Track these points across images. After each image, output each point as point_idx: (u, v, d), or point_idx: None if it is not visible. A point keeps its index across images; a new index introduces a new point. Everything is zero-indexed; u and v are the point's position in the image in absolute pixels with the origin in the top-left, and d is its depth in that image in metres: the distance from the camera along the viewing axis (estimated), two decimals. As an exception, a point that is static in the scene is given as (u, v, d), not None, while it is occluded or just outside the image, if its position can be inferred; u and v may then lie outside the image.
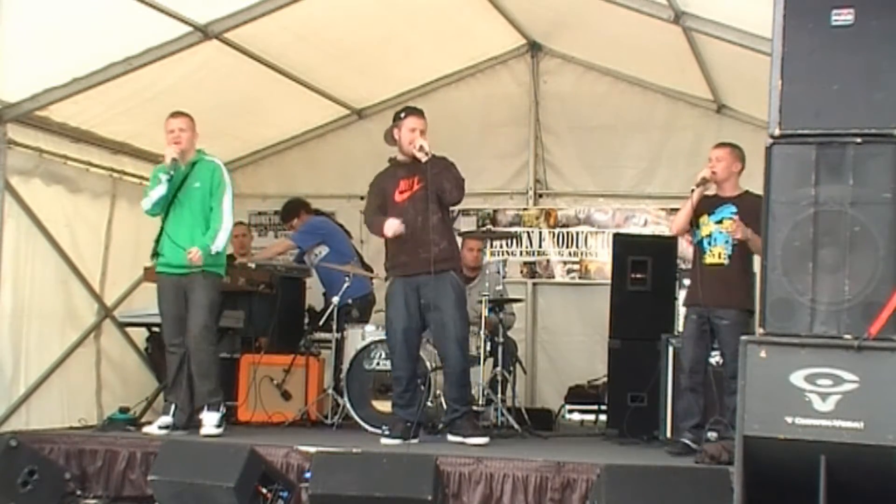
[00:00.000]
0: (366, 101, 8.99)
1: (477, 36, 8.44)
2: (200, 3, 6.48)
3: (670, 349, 6.64)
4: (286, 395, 7.36)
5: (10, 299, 6.72)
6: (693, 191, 6.04)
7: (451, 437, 6.04)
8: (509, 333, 7.60)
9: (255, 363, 7.36)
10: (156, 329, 7.19)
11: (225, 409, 6.57)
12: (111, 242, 7.68)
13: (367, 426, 6.76)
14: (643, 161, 8.74)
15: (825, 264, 4.05)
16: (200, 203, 6.40)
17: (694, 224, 6.10)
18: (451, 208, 6.68)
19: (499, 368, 7.13)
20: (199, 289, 6.35)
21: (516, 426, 6.94)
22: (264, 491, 5.48)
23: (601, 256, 8.72)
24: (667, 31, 6.49)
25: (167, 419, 6.50)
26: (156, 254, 6.46)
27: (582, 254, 8.88)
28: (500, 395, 7.08)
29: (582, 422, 8.48)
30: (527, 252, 8.98)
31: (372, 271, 7.91)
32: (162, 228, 6.45)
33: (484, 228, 8.49)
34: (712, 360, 6.16)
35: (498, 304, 7.30)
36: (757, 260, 5.19)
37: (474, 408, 6.95)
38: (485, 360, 7.05)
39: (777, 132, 4.18)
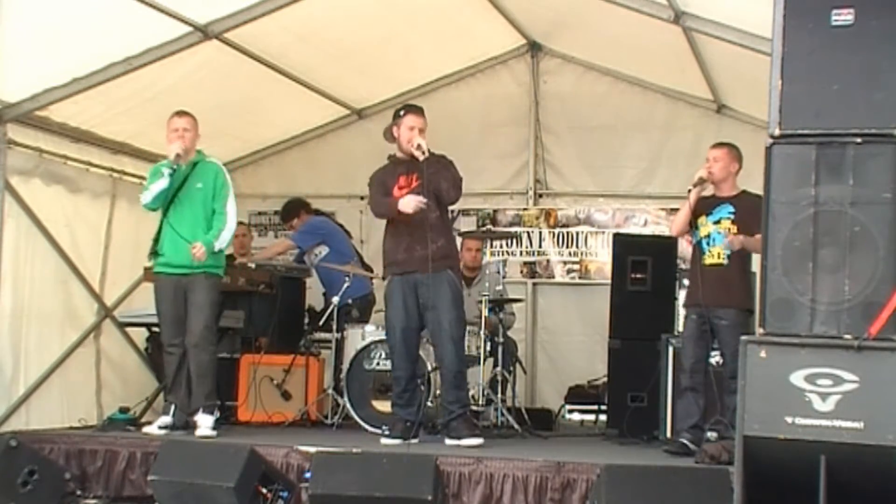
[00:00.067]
0: (366, 101, 8.99)
1: (477, 36, 8.44)
2: (200, 3, 6.48)
3: (670, 349, 6.64)
4: (286, 395, 7.36)
5: (10, 299, 6.72)
6: (690, 191, 6.04)
7: (447, 441, 6.01)
8: (509, 333, 7.60)
9: (255, 363, 7.36)
10: (155, 329, 7.19)
11: (219, 411, 6.58)
12: (111, 242, 7.68)
13: (367, 426, 6.76)
14: (643, 161, 8.74)
15: (825, 264, 4.05)
16: (202, 204, 6.41)
17: (693, 225, 6.10)
18: (451, 207, 6.68)
19: (499, 368, 7.14)
20: (200, 289, 6.35)
21: (516, 426, 6.94)
22: (264, 491, 5.48)
23: (601, 256, 8.72)
24: (667, 31, 6.49)
25: (167, 419, 6.50)
26: (154, 254, 6.45)
27: (582, 254, 8.88)
28: (500, 395, 7.09)
29: (582, 422, 8.48)
30: (527, 252, 8.98)
31: (372, 271, 7.91)
32: (161, 228, 6.45)
33: (484, 228, 8.49)
34: (712, 360, 6.16)
35: (498, 304, 7.30)
36: (756, 259, 5.18)
37: (474, 408, 6.96)
38: (485, 360, 7.05)
39: (777, 132, 4.18)
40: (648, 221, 8.67)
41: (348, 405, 6.89)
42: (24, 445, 5.90)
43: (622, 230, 8.56)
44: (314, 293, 8.30)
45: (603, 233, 8.77)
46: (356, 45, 7.68)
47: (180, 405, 6.48)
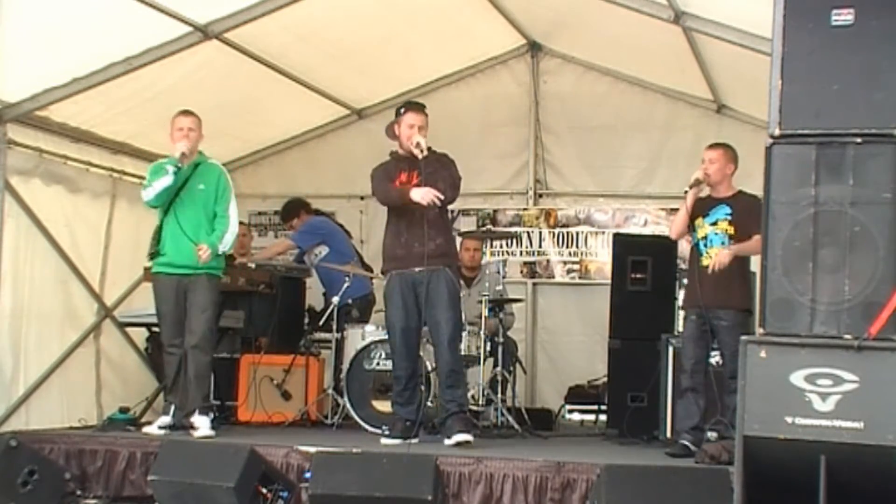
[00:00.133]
0: (366, 101, 8.99)
1: (477, 36, 8.44)
2: (200, 3, 6.48)
3: (670, 349, 6.64)
4: (286, 395, 7.36)
5: (10, 299, 6.72)
6: (686, 192, 6.03)
7: (446, 441, 5.99)
8: (509, 333, 7.60)
9: (255, 363, 7.36)
10: (155, 329, 7.19)
11: (216, 411, 6.57)
12: (111, 242, 7.68)
13: (367, 426, 6.75)
14: (643, 161, 8.73)
15: (825, 264, 4.06)
16: (203, 205, 6.42)
17: (690, 226, 6.09)
18: (450, 207, 6.67)
19: (499, 368, 7.14)
20: (202, 290, 6.36)
21: (516, 426, 6.94)
22: (264, 491, 5.48)
23: (601, 256, 8.72)
24: (667, 31, 6.49)
25: (167, 419, 6.49)
26: (155, 254, 6.44)
27: (582, 254, 8.88)
28: (500, 395, 7.09)
29: (582, 422, 8.48)
30: (527, 252, 8.98)
31: (372, 271, 7.90)
32: (161, 228, 6.44)
33: (484, 228, 8.49)
34: (712, 360, 6.15)
35: (498, 304, 7.30)
36: (756, 259, 5.18)
37: (473, 408, 6.96)
38: (485, 360, 7.05)
39: (777, 132, 4.18)
40: (648, 221, 8.67)
41: (348, 405, 6.89)
42: (24, 445, 5.90)
43: (622, 230, 8.56)
44: (314, 293, 8.30)
45: (603, 233, 8.76)
46: (356, 45, 7.68)
47: (180, 405, 6.47)
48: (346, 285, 7.30)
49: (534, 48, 8.88)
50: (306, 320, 8.13)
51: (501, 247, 8.91)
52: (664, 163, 8.59)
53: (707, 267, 5.95)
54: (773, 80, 4.19)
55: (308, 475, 5.45)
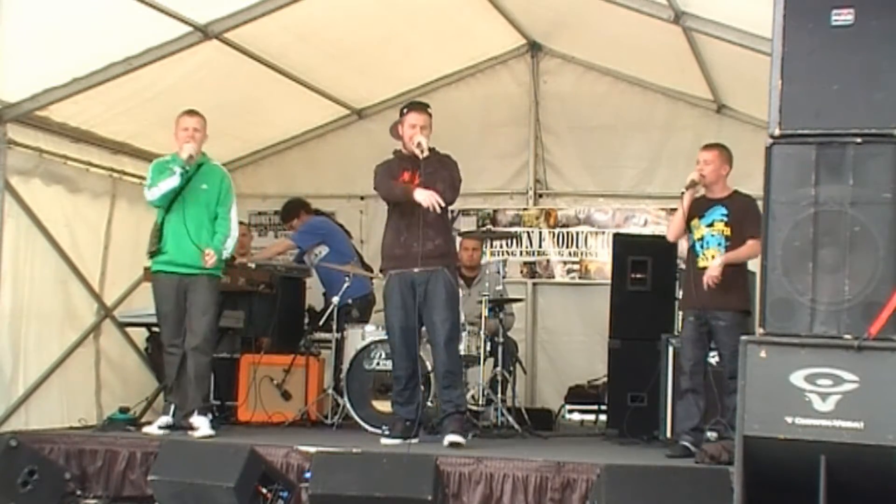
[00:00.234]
0: (366, 101, 8.99)
1: (477, 36, 8.44)
2: (200, 3, 6.48)
3: (670, 349, 6.63)
4: (286, 395, 7.37)
5: (10, 299, 6.71)
6: (683, 194, 6.03)
7: (445, 442, 5.99)
8: (509, 333, 7.60)
9: (255, 363, 7.36)
10: (155, 329, 7.19)
11: (215, 411, 6.57)
12: (111, 242, 7.67)
13: (367, 426, 6.75)
14: (643, 161, 8.73)
15: (825, 264, 4.06)
16: (206, 205, 6.43)
17: (686, 227, 6.09)
18: (450, 207, 6.66)
19: (499, 368, 7.14)
20: (203, 291, 6.36)
21: (516, 426, 6.94)
22: (264, 491, 5.48)
23: (601, 256, 8.72)
24: (667, 31, 6.49)
25: (167, 419, 6.49)
26: (155, 252, 6.44)
27: (582, 254, 8.88)
28: (500, 395, 7.09)
29: (582, 422, 8.48)
30: (527, 252, 8.97)
31: (372, 271, 7.90)
32: (162, 227, 6.44)
33: (484, 228, 8.49)
34: (710, 360, 6.15)
35: (498, 304, 7.30)
36: (756, 259, 5.18)
37: (473, 408, 6.97)
38: (485, 360, 7.05)
39: (777, 132, 4.18)
40: (648, 221, 8.67)
41: (348, 405, 6.89)
42: (24, 445, 5.90)
43: (622, 230, 8.56)
44: (314, 293, 8.30)
45: (603, 233, 8.76)
46: (356, 45, 7.68)
47: (180, 405, 6.47)
48: (346, 285, 7.30)
49: (534, 48, 8.88)
50: (306, 320, 8.13)
51: (501, 247, 8.91)
52: (664, 163, 8.58)
53: (704, 269, 5.94)
54: (773, 80, 4.19)
55: (308, 475, 5.45)
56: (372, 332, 7.10)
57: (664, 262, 7.29)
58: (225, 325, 7.18)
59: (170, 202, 6.39)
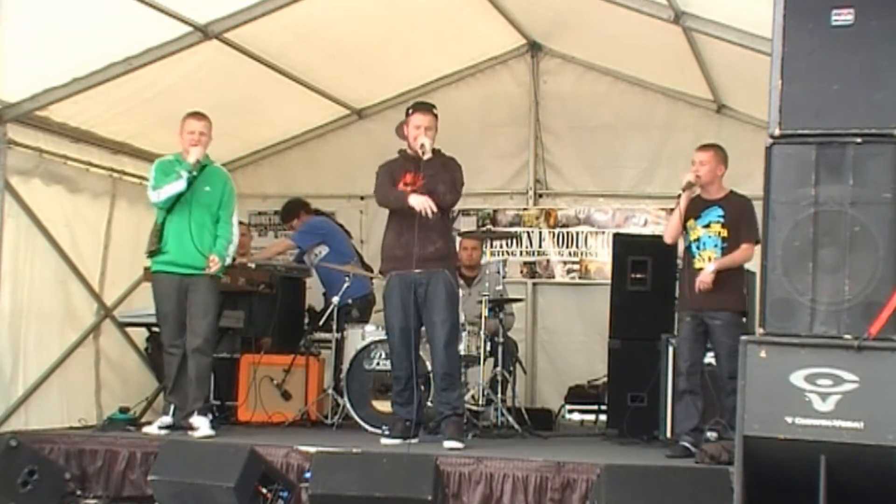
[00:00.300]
0: (366, 101, 8.99)
1: (477, 36, 8.43)
2: (200, 3, 6.48)
3: (670, 349, 6.62)
4: (286, 395, 7.37)
5: (10, 299, 6.71)
6: (680, 196, 6.02)
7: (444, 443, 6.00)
8: (509, 333, 7.60)
9: (255, 363, 7.36)
10: (155, 329, 7.19)
11: (214, 412, 6.58)
12: (111, 242, 7.67)
13: (367, 426, 6.75)
14: (643, 161, 8.73)
15: (825, 264, 4.06)
16: (208, 207, 6.45)
17: (682, 228, 6.08)
18: (452, 209, 6.67)
19: (499, 368, 7.14)
20: (204, 291, 6.36)
21: (516, 426, 6.94)
22: (264, 491, 5.48)
23: (601, 256, 8.71)
24: (667, 31, 6.49)
25: (167, 419, 6.49)
26: (155, 252, 6.43)
27: (582, 254, 8.88)
28: (500, 395, 7.09)
29: (582, 422, 8.48)
30: (527, 252, 8.97)
31: (372, 271, 7.90)
32: (163, 226, 6.43)
33: (484, 228, 8.49)
34: (705, 361, 6.14)
35: (498, 304, 7.30)
36: (757, 260, 5.18)
37: (474, 408, 6.97)
38: (485, 360, 7.05)
39: (777, 132, 4.19)
40: (648, 221, 8.67)
41: (348, 405, 6.89)
42: (24, 445, 5.90)
43: (622, 230, 8.55)
44: (314, 293, 8.30)
45: (603, 233, 8.76)
46: (356, 45, 7.68)
47: (181, 405, 6.47)
48: (346, 285, 7.30)
49: (534, 48, 8.88)
50: (306, 320, 8.13)
51: (501, 247, 8.91)
52: (664, 163, 8.58)
53: (700, 269, 5.94)
54: (773, 80, 4.19)
55: (308, 475, 5.45)
56: (372, 332, 7.10)
57: (664, 262, 7.29)
58: (225, 325, 7.18)
59: (172, 203, 6.39)
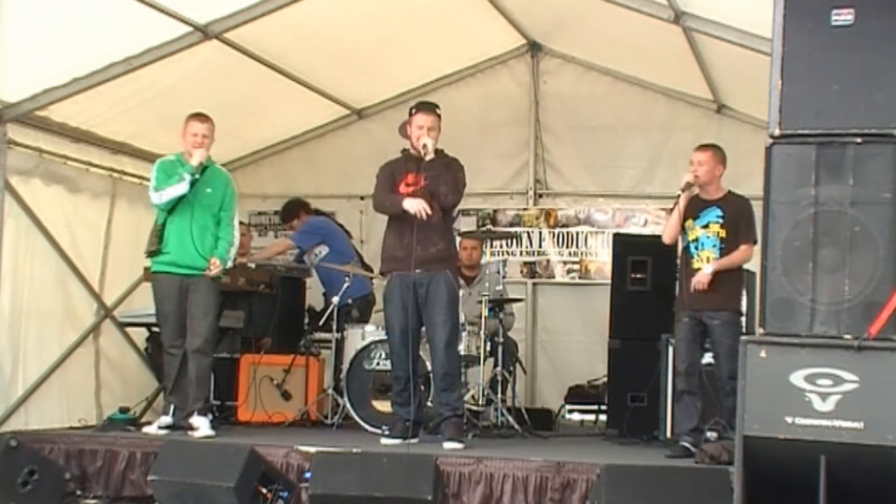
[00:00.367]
0: (366, 101, 8.99)
1: (477, 36, 8.43)
2: (200, 3, 6.48)
3: (670, 349, 6.61)
4: (286, 395, 7.37)
5: (9, 299, 6.71)
6: (679, 196, 6.02)
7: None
8: (509, 333, 7.60)
9: (255, 363, 7.36)
10: (155, 329, 7.19)
11: (214, 412, 6.58)
12: (111, 242, 7.67)
13: (367, 426, 6.75)
14: (643, 161, 8.73)
15: (825, 264, 4.06)
16: (209, 208, 6.45)
17: (681, 228, 6.09)
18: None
19: (499, 368, 7.14)
20: (205, 291, 6.37)
21: (516, 426, 6.94)
22: (264, 491, 5.48)
23: (601, 256, 8.72)
24: (667, 31, 6.49)
25: (167, 419, 6.49)
26: (155, 252, 6.43)
27: (582, 254, 8.88)
28: (500, 395, 7.09)
29: (582, 422, 8.48)
30: (527, 252, 8.97)
31: (372, 271, 7.90)
32: (164, 226, 6.43)
33: (484, 228, 8.48)
34: (703, 360, 6.15)
35: (498, 304, 7.29)
36: (757, 259, 5.19)
37: (474, 408, 6.97)
38: (485, 360, 7.05)
39: (777, 132, 4.19)
40: (648, 221, 8.67)
41: (348, 405, 6.89)
42: (24, 445, 5.90)
43: (622, 230, 8.55)
44: (314, 293, 8.30)
45: (603, 233, 8.76)
46: (356, 45, 7.68)
47: (181, 406, 6.47)
48: (346, 285, 7.30)
49: (534, 48, 8.88)
50: (306, 320, 8.13)
51: (501, 247, 8.91)
52: (664, 163, 8.57)
53: (699, 269, 5.94)
54: (773, 80, 4.19)
55: (308, 475, 5.45)
56: (372, 332, 7.10)
57: (664, 262, 7.27)
58: (225, 325, 7.18)
59: (174, 204, 6.39)
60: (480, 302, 7.10)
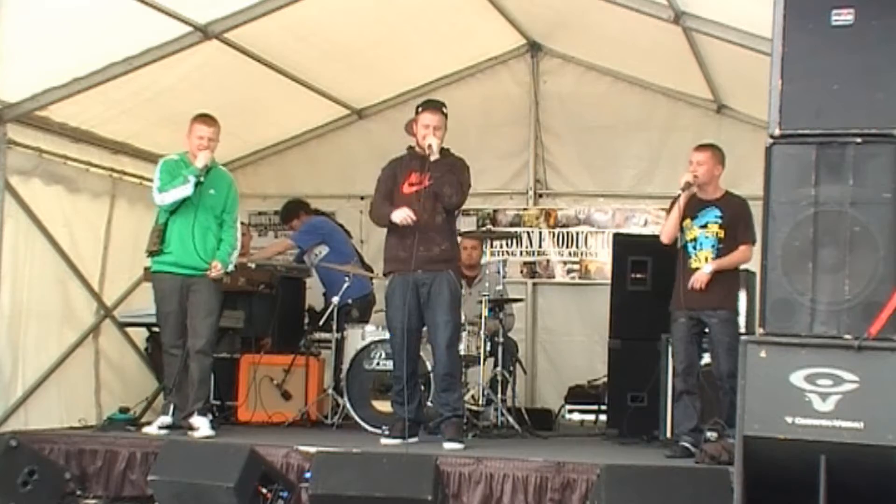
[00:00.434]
0: (366, 101, 8.99)
1: (477, 36, 8.43)
2: (200, 3, 6.48)
3: (670, 349, 6.62)
4: (286, 395, 7.37)
5: (9, 299, 6.71)
6: (678, 196, 6.02)
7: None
8: (509, 333, 7.60)
9: (255, 363, 7.36)
10: (155, 329, 7.19)
11: (214, 413, 6.58)
12: (110, 242, 7.67)
13: (367, 426, 6.76)
14: (643, 161, 8.73)
15: (825, 264, 4.06)
16: (212, 209, 6.46)
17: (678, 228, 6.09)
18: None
19: (499, 368, 7.14)
20: (206, 291, 6.37)
21: (516, 426, 6.94)
22: (264, 491, 5.47)
23: (601, 256, 8.72)
24: (667, 31, 6.48)
25: (167, 419, 6.49)
26: (157, 252, 6.42)
27: (582, 254, 8.88)
28: (500, 395, 7.09)
29: (582, 422, 8.47)
30: (527, 252, 8.98)
31: (372, 271, 7.91)
32: (166, 226, 6.42)
33: (484, 228, 8.49)
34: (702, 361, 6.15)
35: (498, 304, 7.29)
36: (756, 259, 5.19)
37: (474, 408, 6.96)
38: (485, 360, 7.05)
39: (777, 132, 4.18)
40: (648, 221, 8.66)
41: (348, 405, 6.89)
42: (24, 445, 5.89)
43: (622, 230, 8.55)
44: (314, 293, 8.30)
45: (603, 233, 8.77)
46: (356, 45, 7.68)
47: (181, 406, 6.47)
48: (346, 285, 7.31)
49: (534, 48, 8.88)
50: (306, 320, 8.13)
51: (501, 247, 8.90)
52: (664, 163, 8.57)
53: (696, 269, 5.94)
54: (773, 80, 4.19)
55: (308, 475, 5.45)
56: (372, 332, 7.10)
57: (664, 262, 7.23)
58: (225, 325, 7.17)
59: (177, 204, 6.39)
60: (480, 302, 7.10)
